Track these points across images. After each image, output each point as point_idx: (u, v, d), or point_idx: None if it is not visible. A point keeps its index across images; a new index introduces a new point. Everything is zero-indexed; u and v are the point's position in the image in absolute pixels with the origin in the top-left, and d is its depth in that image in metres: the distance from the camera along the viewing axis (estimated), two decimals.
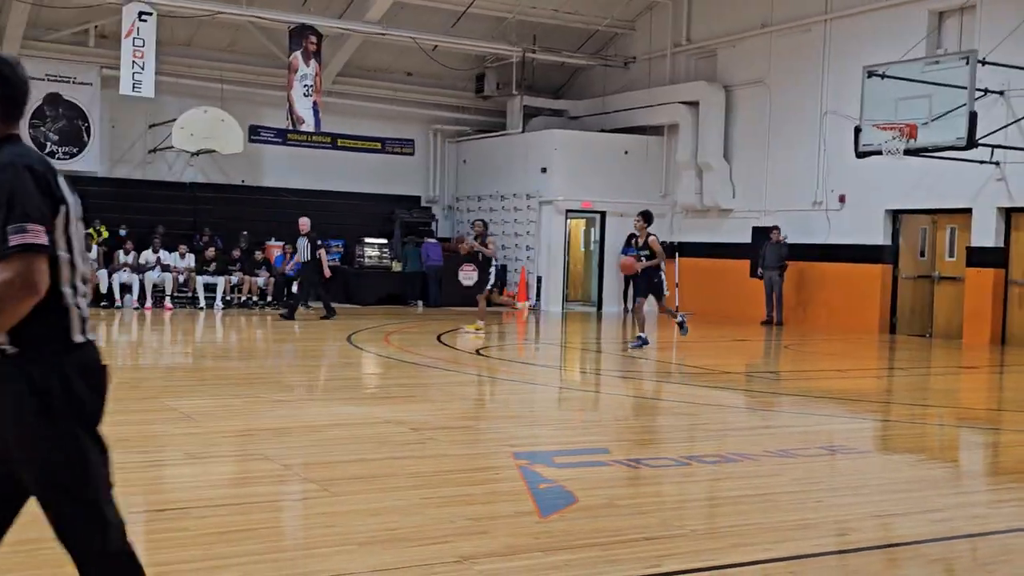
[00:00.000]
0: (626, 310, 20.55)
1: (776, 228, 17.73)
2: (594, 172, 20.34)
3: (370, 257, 20.65)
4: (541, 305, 20.20)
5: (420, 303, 20.04)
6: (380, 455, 5.85)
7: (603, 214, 20.82)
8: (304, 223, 15.78)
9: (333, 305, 16.19)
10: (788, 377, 11.23)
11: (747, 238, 18.97)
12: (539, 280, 20.39)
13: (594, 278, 21.33)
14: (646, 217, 12.57)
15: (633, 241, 12.79)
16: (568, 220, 20.78)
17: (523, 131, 21.30)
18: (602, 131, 21.25)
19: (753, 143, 19.09)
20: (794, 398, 9.00)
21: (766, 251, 17.74)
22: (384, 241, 20.90)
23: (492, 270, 14.57)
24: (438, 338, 13.36)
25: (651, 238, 12.44)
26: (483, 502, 4.87)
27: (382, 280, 20.34)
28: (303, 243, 15.72)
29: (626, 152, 20.77)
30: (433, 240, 20.90)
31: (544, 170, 20.34)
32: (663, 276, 12.72)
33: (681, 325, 13.15)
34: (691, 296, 20.13)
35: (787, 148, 18.29)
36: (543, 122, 21.58)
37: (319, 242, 15.63)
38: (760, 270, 17.90)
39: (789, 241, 17.62)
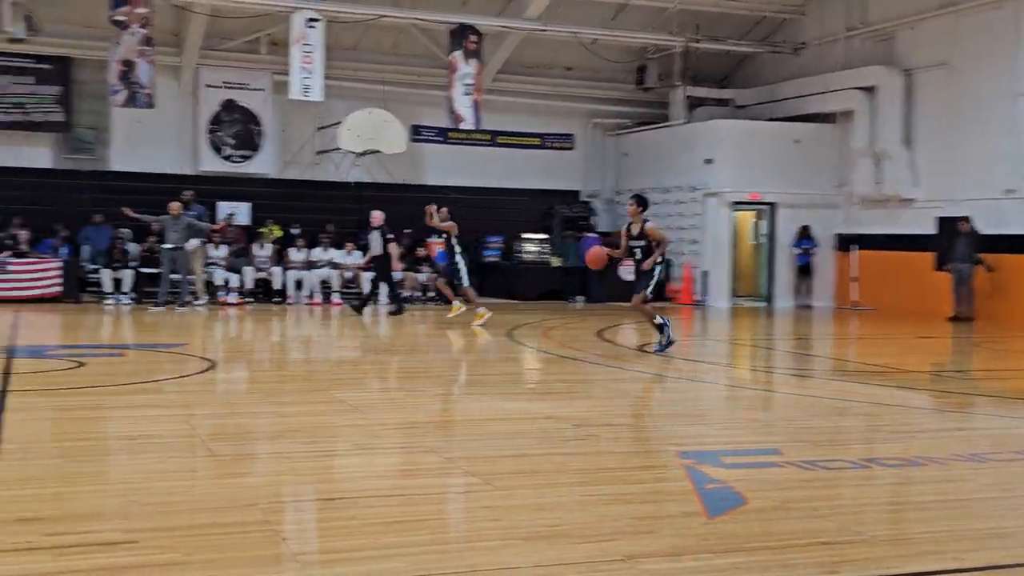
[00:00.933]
0: (799, 305, 19.98)
1: (966, 218, 16.77)
2: (763, 162, 19.83)
3: (529, 252, 20.85)
4: (707, 300, 19.85)
5: (581, 298, 20.06)
6: (542, 451, 5.87)
7: (773, 206, 20.28)
8: (376, 216, 15.98)
9: (403, 303, 16.40)
10: (979, 376, 10.59)
11: (931, 229, 18.04)
12: (705, 275, 20.05)
13: (764, 272, 20.79)
14: (640, 202, 10.98)
15: (626, 229, 11.04)
16: (735, 212, 20.34)
17: (686, 122, 20.97)
18: (771, 120, 20.67)
19: (936, 129, 18.13)
20: (986, 399, 8.48)
21: (955, 243, 16.83)
22: (543, 236, 21.05)
23: (459, 259, 14.47)
24: (599, 334, 13.32)
25: (648, 225, 10.89)
26: (648, 501, 4.81)
27: (542, 275, 20.49)
28: (375, 237, 15.96)
29: (797, 141, 20.13)
30: (593, 235, 20.89)
31: (709, 161, 19.97)
32: (658, 269, 10.99)
33: (662, 328, 11.01)
34: (870, 291, 19.35)
35: (975, 133, 17.27)
36: (707, 112, 21.19)
37: (390, 236, 15.83)
38: (948, 263, 17.00)
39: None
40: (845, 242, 20.09)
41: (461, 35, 18.98)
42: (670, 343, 10.89)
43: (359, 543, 3.98)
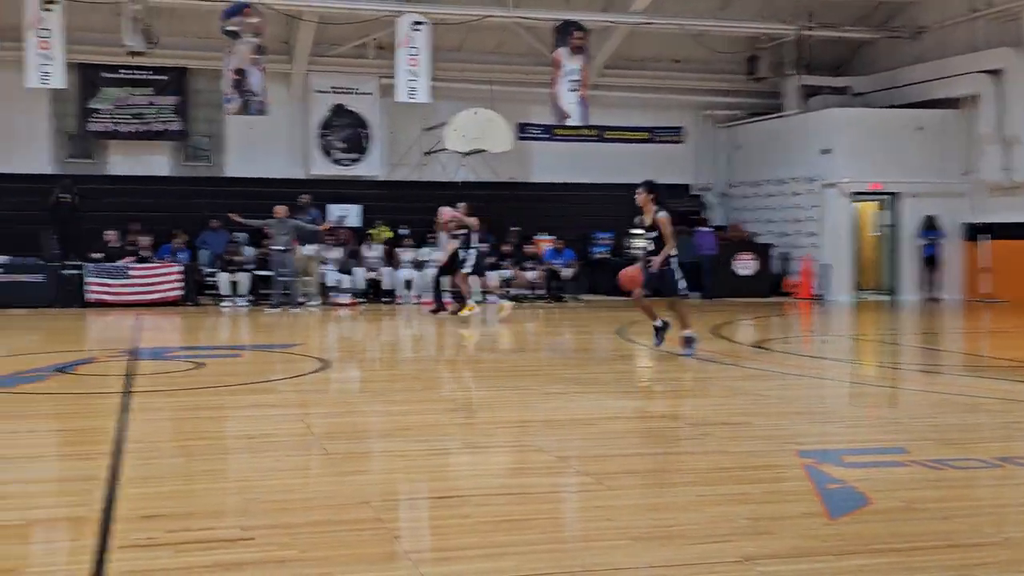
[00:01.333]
0: (925, 298, 19.33)
1: None
2: (883, 151, 19.25)
3: (639, 248, 20.71)
4: (828, 294, 19.36)
5: (695, 294, 19.84)
6: (655, 450, 5.80)
7: (895, 195, 19.67)
8: (445, 213, 16.16)
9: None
10: None
11: None
12: (825, 268, 19.57)
13: (887, 264, 20.18)
14: (650, 189, 10.00)
15: (640, 221, 10.22)
16: (855, 203, 19.78)
17: (801, 112, 20.49)
18: (891, 107, 20.02)
19: None
20: None
21: None
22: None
23: (470, 252, 14.83)
24: (715, 330, 13.12)
25: (659, 215, 9.85)
26: (766, 501, 4.69)
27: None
28: (443, 235, 16.15)
29: (920, 128, 19.46)
30: (706, 228, 20.65)
31: (826, 151, 19.47)
32: (675, 265, 10.04)
33: (660, 331, 10.39)
34: (1002, 282, 18.61)
35: None
36: (823, 101, 20.65)
37: (455, 233, 15.94)
38: None
39: None
40: (973, 232, 19.32)
41: (566, 32, 18.97)
42: (660, 341, 10.33)
43: (470, 541, 4.00)
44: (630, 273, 10.40)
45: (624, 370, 10.39)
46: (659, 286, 10.15)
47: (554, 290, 19.04)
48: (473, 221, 15.18)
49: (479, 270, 15.55)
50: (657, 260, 9.94)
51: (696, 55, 21.02)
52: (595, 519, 4.41)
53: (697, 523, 4.24)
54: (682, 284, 10.08)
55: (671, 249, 9.95)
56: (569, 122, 19.43)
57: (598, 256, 20.84)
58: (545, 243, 19.89)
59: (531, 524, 4.26)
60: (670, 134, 22.00)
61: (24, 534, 4.09)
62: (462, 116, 19.05)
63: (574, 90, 19.08)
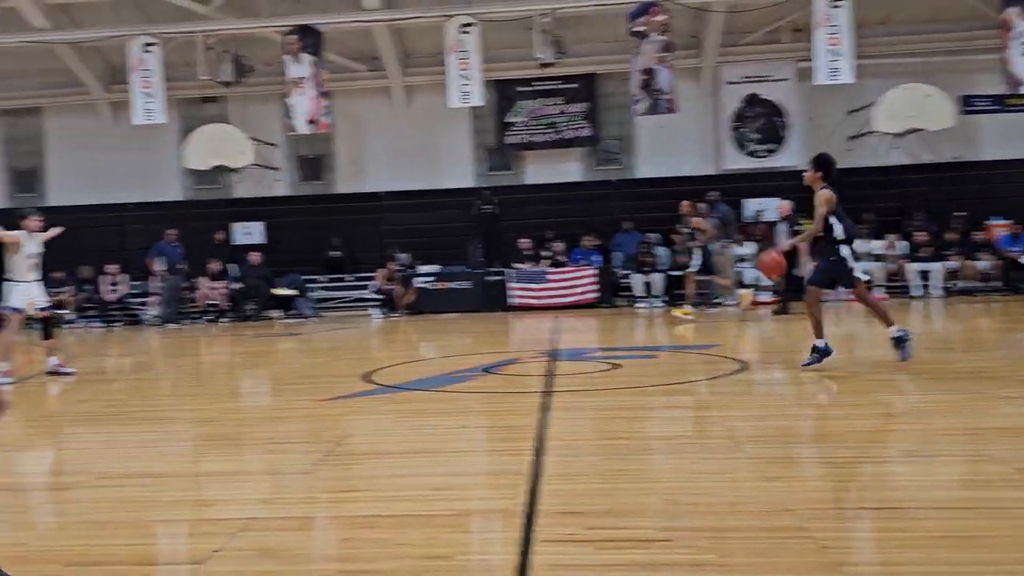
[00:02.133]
0: None
1: None
2: None
3: None
4: None
5: None
6: None
7: None
8: (783, 207, 15.29)
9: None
10: None
11: None
12: None
13: None
14: (819, 164, 8.87)
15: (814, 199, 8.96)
16: None
17: None
18: None
19: None
20: None
21: None
22: None
23: (698, 252, 14.76)
24: None
25: (822, 192, 8.68)
26: None
27: None
28: (783, 228, 14.92)
29: None
30: None
31: None
32: (843, 252, 8.72)
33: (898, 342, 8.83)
34: None
35: None
36: None
37: (797, 227, 14.55)
38: None
39: None
40: None
41: None
42: (822, 356, 8.89)
43: (910, 557, 3.77)
44: (767, 259, 9.52)
45: None
46: (835, 277, 9.14)
47: (1012, 281, 17.48)
48: (697, 221, 15.30)
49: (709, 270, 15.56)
50: (787, 242, 8.84)
51: None
52: None
53: None
54: (858, 271, 9.03)
55: (818, 232, 8.84)
56: (1023, 90, 17.74)
57: None
58: (999, 228, 18.34)
59: (985, 541, 3.92)
60: None
61: (455, 524, 4.48)
62: (892, 94, 18.23)
63: None
